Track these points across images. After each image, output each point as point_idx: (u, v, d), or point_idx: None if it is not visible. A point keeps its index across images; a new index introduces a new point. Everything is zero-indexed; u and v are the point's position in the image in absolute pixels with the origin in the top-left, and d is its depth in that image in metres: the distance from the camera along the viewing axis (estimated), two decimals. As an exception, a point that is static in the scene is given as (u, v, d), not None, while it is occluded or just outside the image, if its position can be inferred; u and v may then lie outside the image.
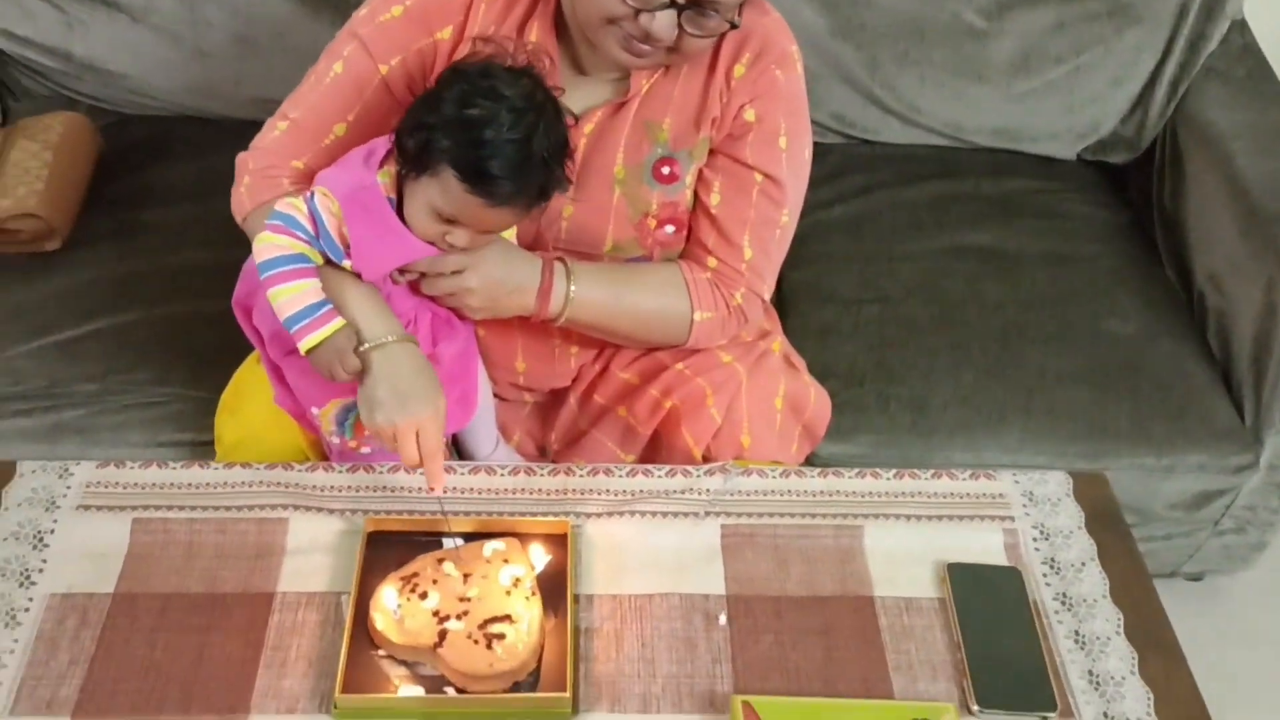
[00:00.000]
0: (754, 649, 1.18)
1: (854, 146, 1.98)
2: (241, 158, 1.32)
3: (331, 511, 1.26)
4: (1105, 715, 1.14)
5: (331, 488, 1.29)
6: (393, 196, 1.21)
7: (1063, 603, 1.24)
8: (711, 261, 1.38)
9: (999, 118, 1.94)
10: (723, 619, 1.20)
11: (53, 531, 1.22)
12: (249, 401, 1.43)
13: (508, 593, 1.18)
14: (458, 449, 1.50)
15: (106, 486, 1.27)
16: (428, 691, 1.11)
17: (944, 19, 1.83)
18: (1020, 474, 1.36)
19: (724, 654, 1.17)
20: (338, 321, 1.18)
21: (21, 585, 1.17)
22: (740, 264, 1.38)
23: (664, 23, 1.19)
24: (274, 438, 1.38)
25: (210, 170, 1.82)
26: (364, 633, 1.15)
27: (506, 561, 1.21)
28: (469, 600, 1.17)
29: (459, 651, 1.12)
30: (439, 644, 1.13)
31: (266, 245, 1.20)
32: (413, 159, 1.16)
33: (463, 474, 1.32)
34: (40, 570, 1.19)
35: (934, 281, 1.77)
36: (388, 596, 1.14)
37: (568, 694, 1.10)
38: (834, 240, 1.80)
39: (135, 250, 1.70)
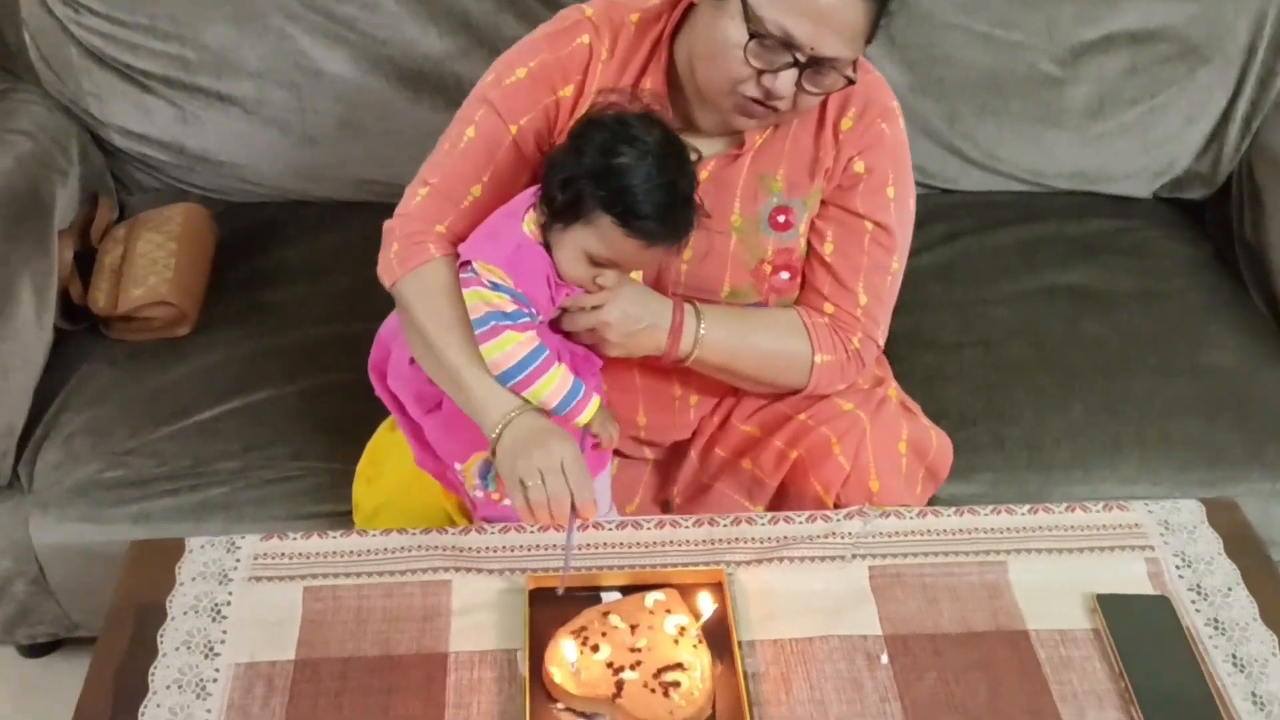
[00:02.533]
0: (919, 686, 1.20)
1: (935, 196, 2.04)
2: (388, 225, 1.38)
3: (491, 571, 1.30)
4: (1273, 734, 1.17)
5: (487, 549, 1.33)
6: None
7: (1215, 628, 1.27)
8: (828, 307, 1.43)
9: (1076, 161, 2.00)
10: (884, 658, 1.23)
11: (229, 603, 1.26)
12: (386, 468, 1.48)
13: (675, 641, 1.21)
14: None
15: (273, 558, 1.31)
16: (610, 741, 1.15)
17: (1021, 70, 1.90)
18: (1153, 504, 1.39)
19: (890, 693, 1.20)
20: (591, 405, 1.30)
21: (206, 657, 1.21)
22: (856, 309, 1.42)
23: (786, 82, 1.25)
24: (413, 501, 1.43)
25: (320, 250, 1.92)
26: (540, 687, 1.18)
27: (669, 611, 1.24)
28: (639, 650, 1.20)
29: (639, 701, 1.16)
30: (617, 694, 1.16)
31: (482, 301, 1.26)
32: (564, 210, 1.23)
33: (610, 528, 1.36)
34: (222, 641, 1.22)
35: (1030, 322, 1.82)
36: (567, 650, 1.18)
37: (748, 737, 1.13)
38: (928, 288, 1.85)
39: (260, 330, 1.76)
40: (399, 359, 1.43)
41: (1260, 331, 1.86)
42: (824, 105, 1.37)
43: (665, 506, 1.57)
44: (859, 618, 1.27)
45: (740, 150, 1.37)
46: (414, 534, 1.34)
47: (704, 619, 1.23)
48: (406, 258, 1.34)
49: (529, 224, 1.28)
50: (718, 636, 1.22)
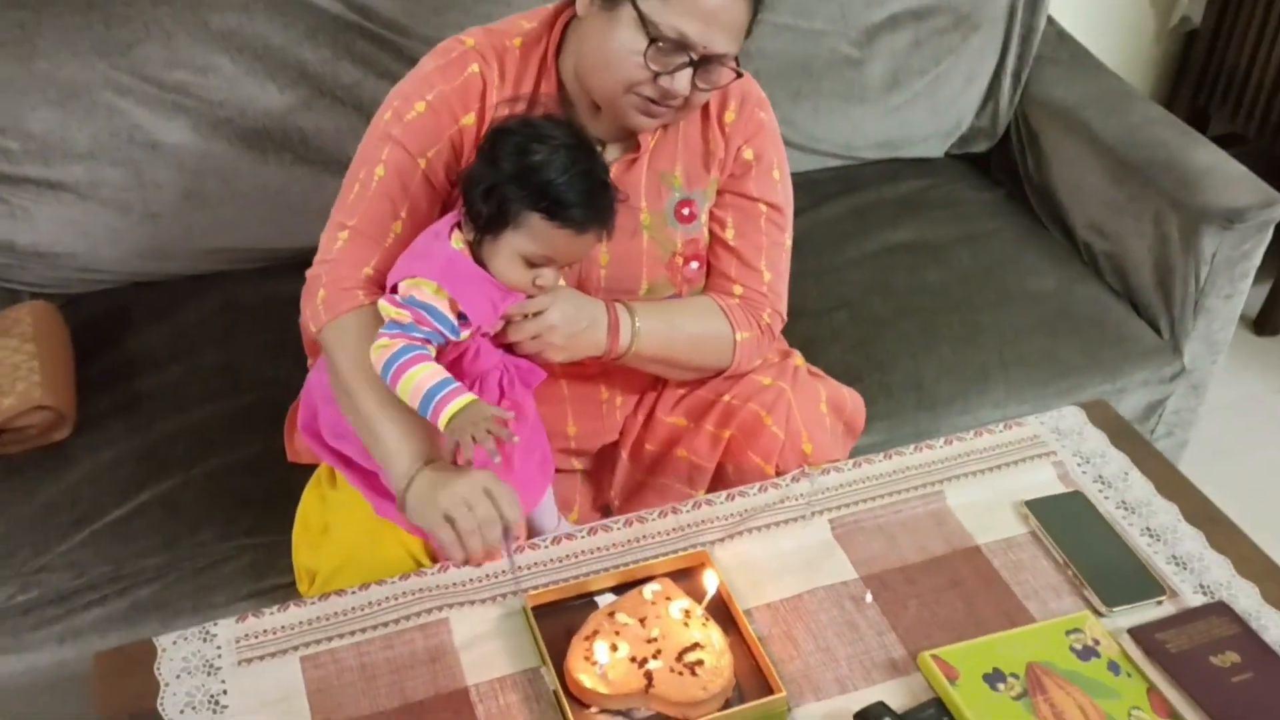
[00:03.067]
0: (906, 614, 1.31)
1: (760, 182, 2.17)
2: (313, 274, 1.37)
3: (484, 601, 1.31)
4: (1201, 586, 1.34)
5: (472, 580, 1.33)
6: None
7: (1125, 509, 1.44)
8: (737, 289, 1.52)
9: (881, 132, 2.19)
10: (868, 597, 1.33)
11: (225, 692, 1.21)
12: (335, 527, 1.45)
13: (685, 624, 1.26)
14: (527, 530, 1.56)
15: (256, 637, 1.27)
16: (654, 730, 1.19)
17: (824, 54, 2.06)
18: (1042, 415, 1.57)
19: (883, 625, 1.30)
20: (467, 395, 1.24)
21: (221, 749, 1.17)
22: (762, 286, 1.53)
23: (682, 82, 1.33)
24: (376, 553, 1.41)
25: (181, 329, 1.85)
26: (570, 697, 1.21)
27: (669, 599, 1.29)
28: (655, 640, 1.24)
29: (672, 686, 1.20)
30: (649, 685, 1.20)
31: (381, 351, 1.26)
32: (490, 220, 1.26)
33: (581, 536, 1.39)
34: (232, 731, 1.18)
35: (880, 279, 1.99)
36: (599, 653, 1.21)
37: (784, 693, 1.20)
38: (780, 265, 1.97)
39: (144, 421, 1.67)
40: (339, 415, 1.41)
41: (1062, 256, 2.11)
42: (706, 103, 1.46)
43: (605, 511, 1.62)
44: (834, 567, 1.36)
45: (636, 154, 1.44)
46: (395, 582, 1.33)
47: (707, 598, 1.29)
48: (332, 304, 1.34)
49: (456, 242, 1.30)
50: (718, 611, 1.29)
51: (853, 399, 1.61)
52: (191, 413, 1.69)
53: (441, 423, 1.24)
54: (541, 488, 1.48)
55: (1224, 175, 1.92)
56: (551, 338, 1.36)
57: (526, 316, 1.34)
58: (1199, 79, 2.74)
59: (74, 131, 1.73)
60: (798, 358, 1.63)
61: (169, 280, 1.90)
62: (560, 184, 1.24)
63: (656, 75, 1.32)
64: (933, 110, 2.20)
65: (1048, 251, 2.10)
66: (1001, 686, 1.21)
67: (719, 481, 1.55)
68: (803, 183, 2.16)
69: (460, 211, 1.31)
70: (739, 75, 1.38)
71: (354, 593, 1.32)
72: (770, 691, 1.21)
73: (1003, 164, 2.31)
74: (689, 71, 1.33)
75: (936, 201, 2.17)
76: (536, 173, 1.24)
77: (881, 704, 1.19)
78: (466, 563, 1.30)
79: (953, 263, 2.03)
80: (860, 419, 1.62)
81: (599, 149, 1.32)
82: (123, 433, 1.65)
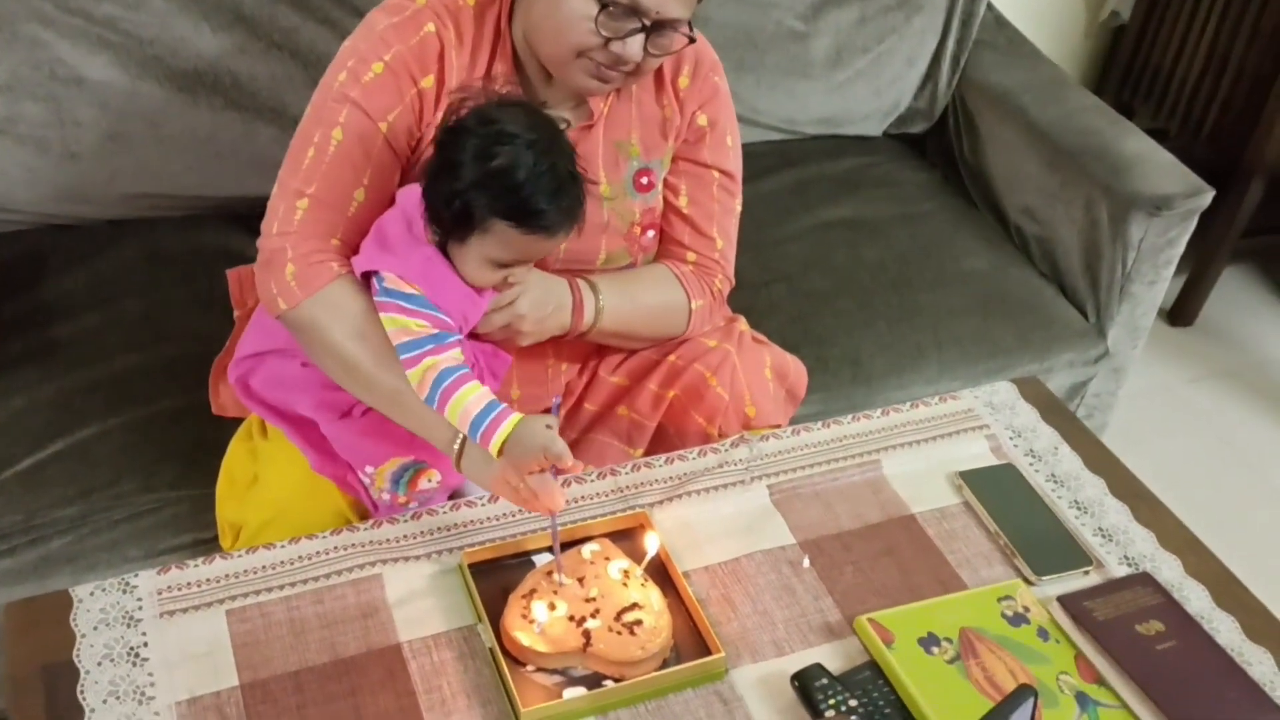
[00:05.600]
0: (842, 580, 1.32)
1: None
2: (273, 246, 1.30)
3: (418, 558, 1.28)
4: (1126, 558, 1.37)
5: (407, 536, 1.30)
6: None
7: (1054, 481, 1.47)
8: (690, 256, 1.51)
9: (823, 108, 2.19)
10: (806, 562, 1.33)
11: (145, 644, 1.17)
12: (265, 480, 1.41)
13: (624, 584, 1.25)
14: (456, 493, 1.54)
15: (179, 589, 1.22)
16: (590, 689, 1.17)
17: (770, 26, 2.05)
18: (976, 390, 1.59)
19: (820, 590, 1.30)
20: (515, 415, 1.19)
21: (141, 703, 1.12)
22: (714, 253, 1.52)
23: (634, 47, 1.31)
24: (308, 508, 1.37)
25: (100, 276, 1.78)
26: (506, 656, 1.19)
27: (608, 559, 1.28)
28: (594, 600, 1.23)
29: (610, 645, 1.19)
30: (587, 644, 1.19)
31: (401, 329, 1.21)
32: (455, 225, 1.21)
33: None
34: (151, 684, 1.13)
35: (819, 254, 1.99)
36: (538, 611, 1.19)
37: (722, 653, 1.20)
38: (720, 236, 1.97)
39: (60, 368, 1.60)
40: (281, 370, 1.38)
41: (994, 238, 2.14)
42: (660, 68, 1.44)
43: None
44: (772, 532, 1.37)
45: (591, 122, 1.41)
46: (326, 537, 1.30)
47: (647, 558, 1.28)
48: (308, 279, 1.28)
49: (429, 238, 1.25)
50: (656, 573, 1.28)
51: (795, 366, 1.62)
52: (110, 362, 1.62)
53: (492, 449, 1.19)
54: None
55: (1154, 164, 1.97)
56: (520, 325, 1.33)
57: (495, 308, 1.31)
58: (1124, 74, 2.80)
59: (-8, 63, 1.65)
60: (742, 323, 1.62)
61: (88, 225, 1.82)
62: (527, 189, 1.18)
63: (608, 41, 1.29)
64: (874, 89, 2.21)
65: (981, 233, 2.13)
66: (936, 650, 1.22)
67: (658, 443, 1.54)
68: (744, 155, 2.16)
69: (424, 206, 1.24)
70: (691, 41, 1.36)
71: (283, 546, 1.28)
72: (709, 652, 1.20)
73: (939, 146, 2.34)
74: (641, 37, 1.30)
75: (875, 180, 2.19)
76: (500, 178, 1.17)
77: (818, 665, 1.19)
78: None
79: (890, 241, 2.04)
80: (802, 386, 1.62)
81: (563, 131, 1.25)
82: (36, 380, 1.58)
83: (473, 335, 1.34)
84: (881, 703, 1.17)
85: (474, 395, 1.21)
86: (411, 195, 1.29)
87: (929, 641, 1.23)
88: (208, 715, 1.12)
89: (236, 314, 1.59)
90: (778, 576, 1.32)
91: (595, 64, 1.32)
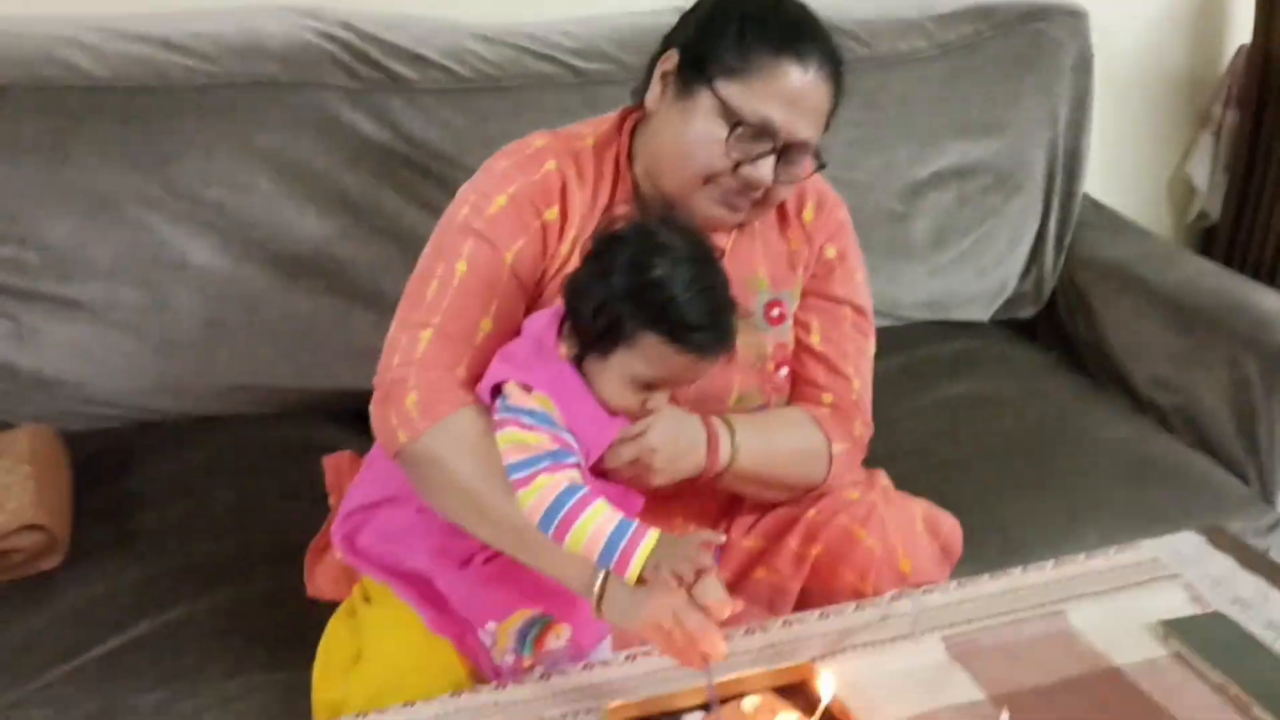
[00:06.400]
0: (1053, 736, 1.12)
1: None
2: (393, 377, 1.21)
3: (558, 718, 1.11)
4: (1382, 709, 1.16)
5: (538, 698, 1.13)
6: None
7: (1273, 629, 1.27)
8: (827, 397, 1.39)
9: (926, 291, 2.13)
10: (1005, 716, 1.13)
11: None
12: (371, 650, 1.25)
13: (797, 740, 1.06)
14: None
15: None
16: None
17: (870, 208, 2.02)
18: (1157, 540, 1.41)
19: None
20: (655, 530, 1.07)
21: None
22: (852, 395, 1.40)
23: (765, 170, 1.26)
24: (421, 679, 1.19)
25: (189, 468, 1.69)
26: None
27: (774, 712, 1.09)
28: (763, 756, 1.04)
29: (791, 804, 0.99)
30: (763, 803, 0.99)
31: (516, 445, 1.10)
32: (600, 338, 1.12)
33: (659, 654, 1.19)
34: None
35: (945, 428, 1.87)
36: (702, 759, 1.00)
37: (924, 814, 0.99)
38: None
39: (144, 554, 1.48)
40: (394, 519, 1.26)
41: (1127, 411, 2.03)
42: (783, 204, 1.38)
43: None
44: (957, 687, 1.18)
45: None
46: (445, 699, 1.13)
47: (823, 705, 1.09)
48: (430, 406, 1.18)
49: (562, 352, 1.16)
50: (831, 730, 1.09)
51: (948, 522, 1.45)
52: (197, 549, 1.50)
53: (632, 571, 1.05)
54: (604, 631, 1.28)
55: (1299, 314, 1.86)
56: (652, 460, 1.20)
57: (624, 440, 1.19)
58: (1220, 274, 2.74)
59: (96, 246, 1.63)
60: (884, 477, 1.48)
61: (177, 421, 1.74)
62: (683, 303, 1.11)
63: (738, 164, 1.25)
64: (978, 271, 2.15)
65: (1113, 406, 2.01)
66: (1185, 808, 1.01)
67: (802, 609, 1.36)
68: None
69: (562, 316, 1.17)
70: (822, 166, 1.32)
71: (397, 710, 1.11)
72: (911, 815, 1.00)
73: (1050, 329, 2.25)
74: (772, 159, 1.26)
75: (989, 359, 2.09)
76: (656, 290, 1.11)
77: (1051, 823, 0.98)
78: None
79: (1017, 414, 1.92)
80: (957, 544, 1.45)
81: (719, 253, 1.19)
82: (119, 565, 1.45)
83: (598, 473, 1.21)
84: None
85: (603, 515, 1.07)
86: (539, 320, 1.21)
87: (1174, 799, 1.01)
88: None
89: (332, 500, 1.49)
90: (974, 733, 1.12)
91: (723, 191, 1.27)
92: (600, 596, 1.10)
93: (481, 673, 1.22)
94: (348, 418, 1.73)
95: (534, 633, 1.19)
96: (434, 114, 1.76)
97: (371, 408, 1.22)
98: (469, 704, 1.12)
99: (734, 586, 1.40)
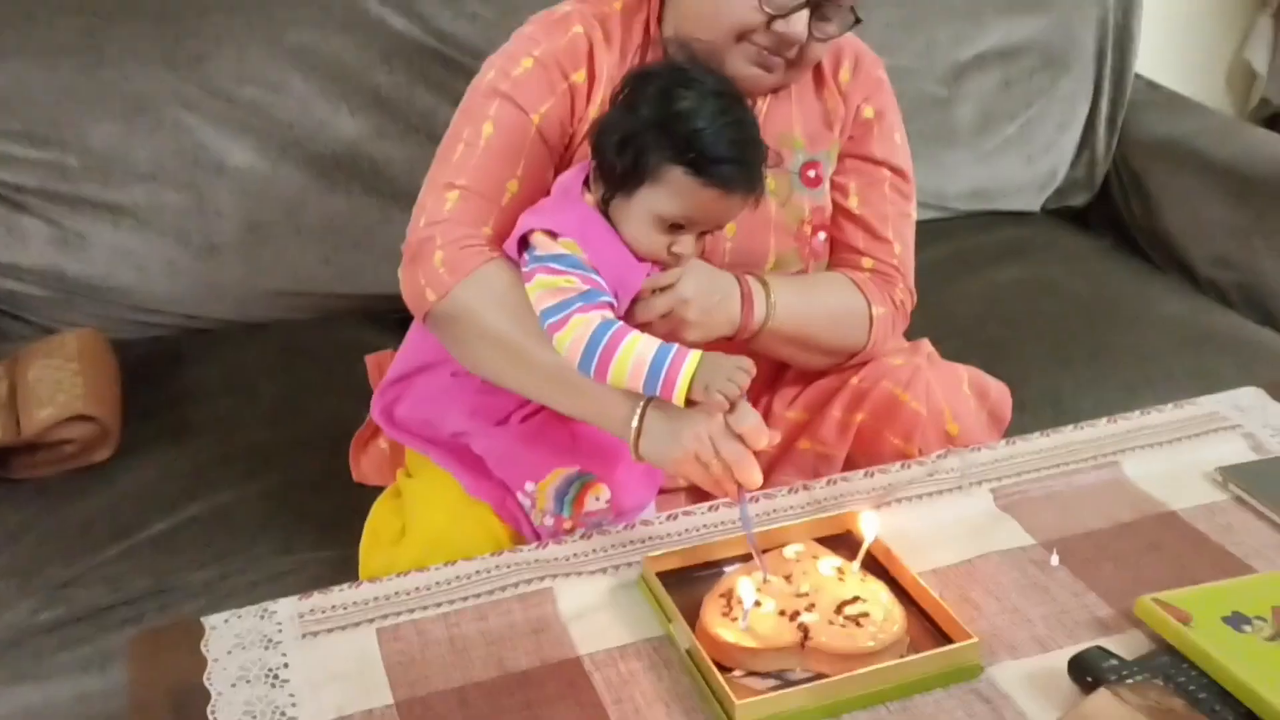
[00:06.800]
0: (1103, 576, 1.09)
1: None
2: (420, 237, 1.20)
3: (594, 573, 1.10)
4: None
5: (576, 555, 1.13)
6: None
7: (1334, 475, 1.23)
8: (866, 262, 1.36)
9: (973, 179, 2.08)
10: (1055, 560, 1.11)
11: (285, 665, 1.00)
12: (415, 519, 1.25)
13: (840, 580, 1.04)
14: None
15: (323, 612, 1.06)
16: (813, 691, 0.95)
17: (912, 93, 1.96)
18: (1217, 395, 1.37)
19: (1079, 587, 1.08)
20: (691, 359, 1.06)
21: (281, 721, 0.94)
22: (893, 259, 1.37)
23: (799, 25, 1.22)
24: (462, 542, 1.19)
25: (236, 368, 1.70)
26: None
27: (815, 557, 1.08)
28: (806, 595, 1.02)
29: (834, 637, 0.97)
30: (805, 639, 0.98)
31: (547, 290, 1.09)
32: (625, 175, 1.10)
33: (701, 513, 1.19)
34: (293, 704, 0.96)
35: (993, 310, 1.83)
36: (744, 591, 0.98)
37: (975, 639, 0.97)
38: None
39: (193, 445, 1.50)
40: (430, 385, 1.26)
41: (1187, 290, 1.97)
42: (818, 64, 1.35)
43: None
44: (1006, 535, 1.16)
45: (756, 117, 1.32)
46: (486, 558, 1.13)
47: (865, 545, 1.07)
48: (457, 265, 1.17)
49: (588, 200, 1.15)
50: (878, 574, 1.07)
51: (997, 387, 1.42)
52: (245, 437, 1.52)
53: (679, 390, 1.05)
54: (644, 499, 1.27)
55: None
56: (685, 313, 1.17)
57: (655, 291, 1.17)
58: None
59: (136, 148, 1.64)
60: (928, 345, 1.45)
61: (223, 327, 1.76)
62: (709, 134, 1.08)
63: (771, 19, 1.22)
64: (1026, 157, 2.09)
65: (1170, 286, 1.96)
66: (1248, 628, 0.97)
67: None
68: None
69: (589, 166, 1.16)
70: (858, 21, 1.28)
71: (440, 568, 1.11)
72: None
73: (1104, 216, 2.19)
74: (805, 14, 1.22)
75: (1039, 246, 2.04)
76: (682, 121, 1.09)
77: (1100, 648, 0.95)
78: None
79: (1070, 295, 1.88)
80: (1006, 409, 1.42)
81: (750, 103, 1.17)
82: (169, 454, 1.47)
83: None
84: (1192, 687, 0.92)
85: (643, 341, 1.07)
86: (567, 174, 1.19)
87: (1236, 620, 0.98)
88: (361, 733, 0.94)
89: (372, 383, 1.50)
90: (1022, 575, 1.10)
91: (757, 48, 1.23)
92: (638, 434, 1.10)
93: (522, 537, 1.22)
94: (391, 321, 1.74)
95: (572, 492, 1.19)
96: (462, 6, 1.75)
97: (400, 271, 1.22)
98: (509, 560, 1.11)
99: (778, 458, 1.39)
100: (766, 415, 1.40)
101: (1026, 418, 1.57)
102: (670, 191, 1.10)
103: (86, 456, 1.45)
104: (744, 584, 0.99)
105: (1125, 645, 0.99)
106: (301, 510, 1.40)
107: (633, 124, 1.10)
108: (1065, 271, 1.96)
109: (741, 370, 1.05)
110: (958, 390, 1.37)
